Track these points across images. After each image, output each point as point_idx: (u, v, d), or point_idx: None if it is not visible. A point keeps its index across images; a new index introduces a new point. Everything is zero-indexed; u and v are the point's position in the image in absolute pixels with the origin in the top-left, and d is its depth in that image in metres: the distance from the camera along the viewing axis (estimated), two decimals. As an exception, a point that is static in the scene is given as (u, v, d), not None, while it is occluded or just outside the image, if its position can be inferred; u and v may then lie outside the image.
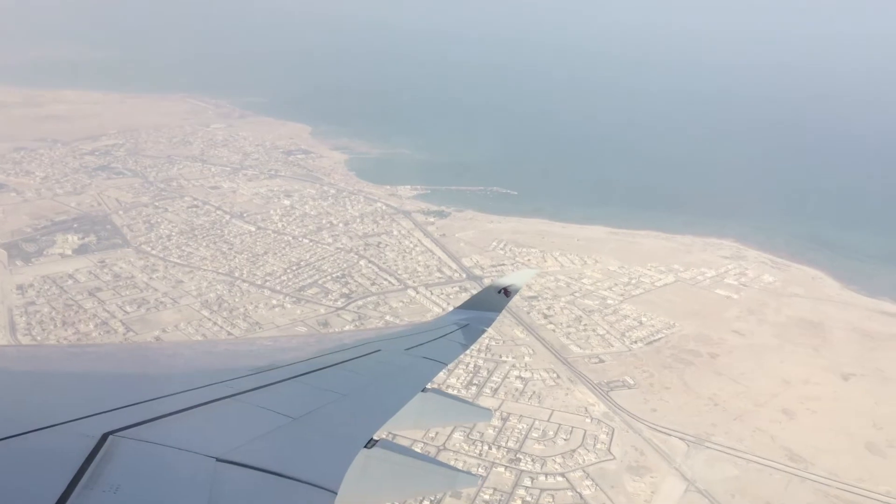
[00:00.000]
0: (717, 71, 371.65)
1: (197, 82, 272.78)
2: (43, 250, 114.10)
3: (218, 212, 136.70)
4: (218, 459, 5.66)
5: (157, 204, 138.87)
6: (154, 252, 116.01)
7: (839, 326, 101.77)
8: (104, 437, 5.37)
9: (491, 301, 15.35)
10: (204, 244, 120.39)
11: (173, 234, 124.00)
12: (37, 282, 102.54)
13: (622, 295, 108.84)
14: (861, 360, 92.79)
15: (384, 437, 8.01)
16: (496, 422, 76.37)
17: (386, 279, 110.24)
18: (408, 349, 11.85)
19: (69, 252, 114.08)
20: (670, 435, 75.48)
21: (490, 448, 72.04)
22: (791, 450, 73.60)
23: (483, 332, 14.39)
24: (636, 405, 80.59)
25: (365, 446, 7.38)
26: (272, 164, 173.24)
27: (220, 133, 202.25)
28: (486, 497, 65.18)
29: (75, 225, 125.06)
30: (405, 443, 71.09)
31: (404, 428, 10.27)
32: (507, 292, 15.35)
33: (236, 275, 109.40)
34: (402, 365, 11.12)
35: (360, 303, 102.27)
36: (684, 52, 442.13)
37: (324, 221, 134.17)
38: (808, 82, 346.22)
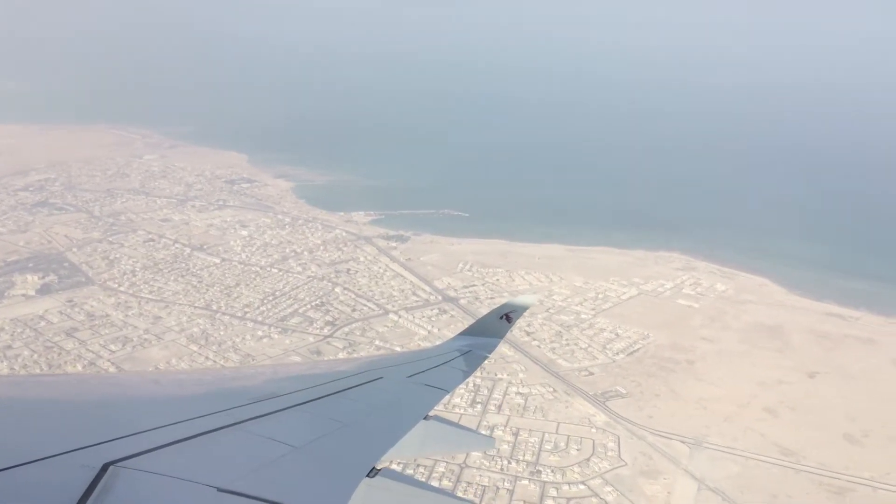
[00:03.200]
0: (654, 88, 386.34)
1: (118, 112, 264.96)
2: (3, 292, 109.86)
3: (176, 245, 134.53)
4: (219, 489, 5.66)
5: (110, 239, 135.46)
6: (122, 289, 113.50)
7: (795, 329, 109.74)
8: (104, 468, 5.36)
9: (493, 327, 15.55)
10: (172, 278, 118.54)
11: (137, 269, 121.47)
12: (7, 325, 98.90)
13: (594, 309, 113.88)
14: (822, 359, 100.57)
15: (386, 465, 8.18)
16: (509, 437, 79.26)
17: (365, 305, 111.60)
18: (410, 376, 11.93)
19: (32, 293, 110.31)
20: (671, 439, 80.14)
21: (509, 462, 74.80)
22: (781, 445, 79.47)
23: (485, 358, 14.60)
24: (633, 413, 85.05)
25: (367, 475, 7.45)
26: (218, 195, 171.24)
27: (155, 164, 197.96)
28: (518, 509, 67.94)
29: (30, 264, 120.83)
30: (428, 462, 73.44)
31: (407, 456, 11.43)
32: (508, 318, 15.57)
33: (214, 308, 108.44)
34: (403, 393, 11.23)
35: (346, 329, 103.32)
36: (622, 68, 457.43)
37: (287, 250, 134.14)
38: (744, 97, 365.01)
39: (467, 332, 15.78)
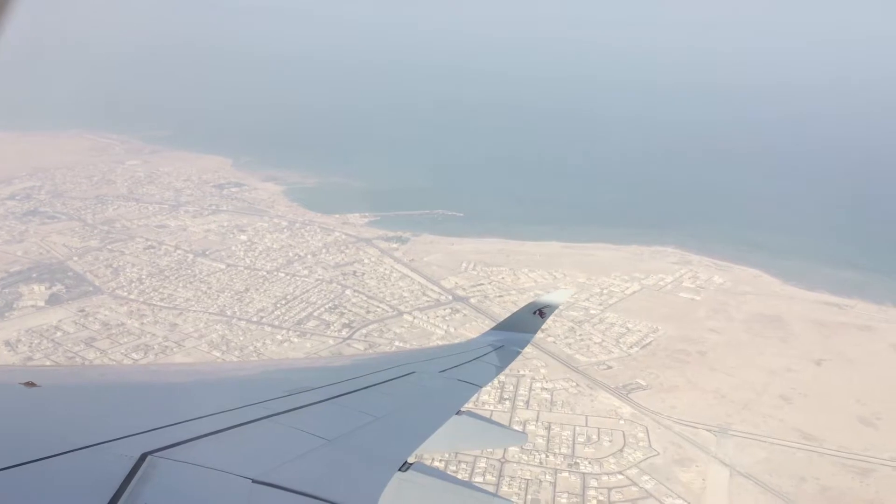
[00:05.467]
0: (633, 89, 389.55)
1: (91, 117, 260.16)
2: (12, 303, 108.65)
3: (178, 251, 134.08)
4: (254, 481, 5.77)
5: (109, 247, 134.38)
6: (132, 297, 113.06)
7: (795, 319, 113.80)
8: (143, 457, 5.49)
9: (526, 322, 15.49)
10: (180, 285, 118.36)
11: (143, 276, 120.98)
12: (23, 336, 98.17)
13: (601, 305, 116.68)
14: (824, 346, 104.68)
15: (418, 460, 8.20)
16: (542, 431, 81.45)
17: (378, 306, 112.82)
18: (442, 371, 11.93)
19: (42, 303, 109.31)
20: (697, 428, 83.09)
21: (547, 456, 76.96)
22: (801, 430, 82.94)
23: (518, 353, 14.54)
24: (656, 404, 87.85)
25: (399, 469, 7.46)
26: (209, 199, 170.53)
27: (140, 170, 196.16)
28: (564, 501, 70.10)
29: (34, 275, 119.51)
30: (469, 458, 75.31)
31: (439, 451, 10.43)
32: (541, 313, 15.46)
33: (228, 313, 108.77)
34: (436, 387, 11.22)
35: (363, 331, 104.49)
36: (609, 68, 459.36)
37: (290, 254, 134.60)
38: (722, 98, 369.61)
39: (499, 328, 15.82)
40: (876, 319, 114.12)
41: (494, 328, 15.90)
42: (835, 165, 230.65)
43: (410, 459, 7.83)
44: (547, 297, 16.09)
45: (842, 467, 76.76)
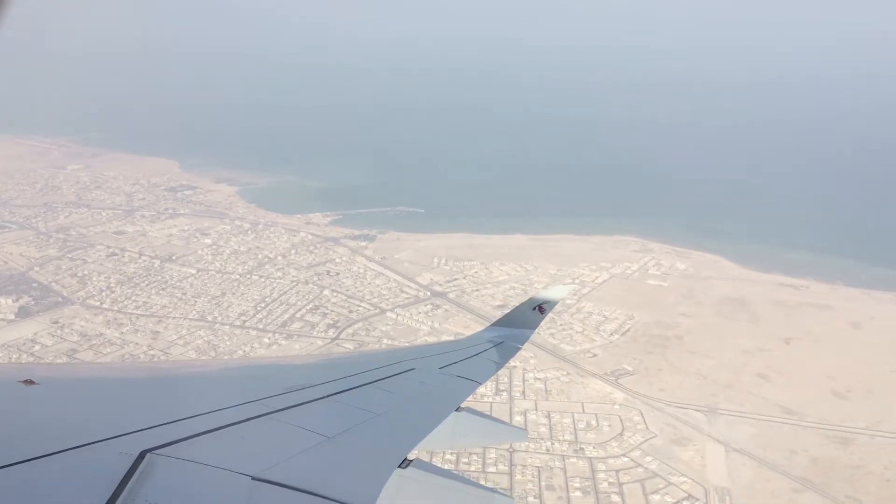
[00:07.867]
0: (596, 89, 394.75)
1: (17, 121, 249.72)
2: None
3: (143, 257, 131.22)
4: (253, 478, 5.79)
5: (70, 256, 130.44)
6: (105, 306, 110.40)
7: (758, 300, 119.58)
8: (142, 455, 5.50)
9: (525, 318, 15.38)
10: (153, 292, 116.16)
11: (112, 284, 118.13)
12: (0, 352, 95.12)
13: (576, 294, 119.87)
14: (789, 325, 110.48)
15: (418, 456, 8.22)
16: (543, 419, 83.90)
17: (359, 305, 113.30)
18: (442, 368, 11.93)
19: (12, 316, 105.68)
20: (687, 408, 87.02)
21: (552, 443, 79.47)
22: (783, 406, 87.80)
23: (518, 350, 14.54)
24: (645, 388, 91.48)
25: (399, 466, 7.46)
26: (164, 203, 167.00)
27: (83, 174, 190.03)
28: (577, 485, 72.76)
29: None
30: (478, 449, 77.17)
31: (439, 448, 10.55)
32: (541, 309, 15.33)
33: (209, 318, 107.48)
34: (436, 384, 11.18)
35: (349, 331, 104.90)
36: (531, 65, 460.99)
37: (260, 256, 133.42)
38: (672, 81, 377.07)
39: (499, 323, 15.74)
40: (831, 298, 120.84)
41: (494, 324, 15.97)
42: (783, 156, 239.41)
43: (410, 456, 7.90)
44: (546, 293, 16.06)
45: (825, 438, 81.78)
